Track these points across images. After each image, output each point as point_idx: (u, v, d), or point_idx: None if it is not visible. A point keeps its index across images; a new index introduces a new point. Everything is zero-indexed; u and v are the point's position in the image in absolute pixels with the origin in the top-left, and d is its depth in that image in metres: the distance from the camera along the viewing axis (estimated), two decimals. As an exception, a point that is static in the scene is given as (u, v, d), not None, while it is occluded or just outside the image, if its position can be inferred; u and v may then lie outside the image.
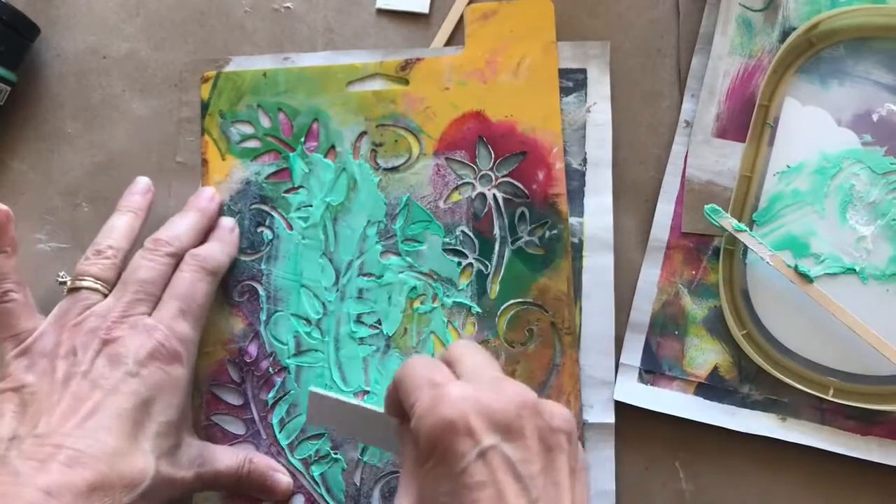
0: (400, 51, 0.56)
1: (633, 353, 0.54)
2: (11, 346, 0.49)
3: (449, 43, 0.57)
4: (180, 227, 0.52)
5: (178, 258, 0.51)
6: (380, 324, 0.54)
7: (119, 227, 0.52)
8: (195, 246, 0.52)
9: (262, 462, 0.52)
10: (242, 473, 0.51)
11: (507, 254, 0.54)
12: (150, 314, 0.49)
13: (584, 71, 0.55)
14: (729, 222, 0.52)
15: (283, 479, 0.53)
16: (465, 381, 0.41)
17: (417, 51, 0.56)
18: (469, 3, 0.56)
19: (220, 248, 0.53)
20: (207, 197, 0.54)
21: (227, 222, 0.55)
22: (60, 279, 0.51)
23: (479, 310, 0.54)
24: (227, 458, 0.51)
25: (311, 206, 0.55)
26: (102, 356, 0.47)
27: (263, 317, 0.54)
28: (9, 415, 0.46)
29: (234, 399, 0.54)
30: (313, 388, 0.49)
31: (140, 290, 0.49)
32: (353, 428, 0.48)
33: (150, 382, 0.47)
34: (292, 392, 0.54)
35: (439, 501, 0.38)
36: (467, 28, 0.56)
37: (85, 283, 0.50)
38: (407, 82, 0.56)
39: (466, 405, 0.38)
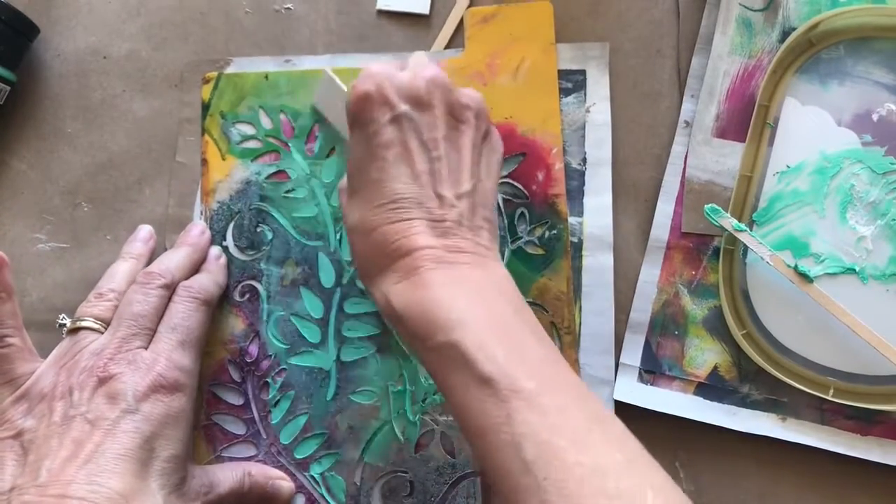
0: (400, 54, 0.56)
1: (633, 353, 0.54)
2: (9, 392, 0.48)
3: (449, 45, 0.57)
4: (172, 260, 0.52)
5: (170, 290, 0.51)
6: (381, 324, 0.54)
7: (121, 272, 0.52)
8: (187, 279, 0.52)
9: (261, 473, 0.52)
10: (244, 490, 0.51)
11: (506, 254, 0.54)
12: (145, 348, 0.48)
13: (583, 72, 0.55)
14: (729, 222, 0.52)
15: (284, 484, 0.52)
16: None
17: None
18: (469, 6, 0.56)
19: (210, 278, 0.53)
20: (198, 231, 0.54)
21: (214, 251, 0.55)
22: (60, 321, 0.51)
23: None
24: (227, 479, 0.50)
25: (311, 206, 0.55)
26: (100, 394, 0.46)
27: (264, 316, 0.54)
28: (10, 464, 0.45)
29: (234, 399, 0.54)
30: (328, 71, 0.53)
31: (134, 324, 0.49)
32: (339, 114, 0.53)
33: (152, 417, 0.46)
34: (293, 392, 0.54)
35: (360, 163, 0.46)
36: (467, 31, 0.56)
37: (85, 324, 0.49)
38: (407, 83, 0.56)
39: (384, 80, 0.45)
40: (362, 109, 0.45)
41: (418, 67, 0.47)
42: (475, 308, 0.42)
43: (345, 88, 0.52)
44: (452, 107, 0.46)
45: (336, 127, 0.54)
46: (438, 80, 0.46)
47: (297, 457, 0.53)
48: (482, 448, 0.39)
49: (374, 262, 0.45)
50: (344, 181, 0.49)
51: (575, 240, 0.54)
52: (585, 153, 0.55)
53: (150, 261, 0.54)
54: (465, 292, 0.43)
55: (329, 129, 0.55)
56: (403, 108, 0.45)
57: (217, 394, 0.54)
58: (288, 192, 0.55)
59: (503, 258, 0.54)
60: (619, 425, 0.40)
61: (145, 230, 0.55)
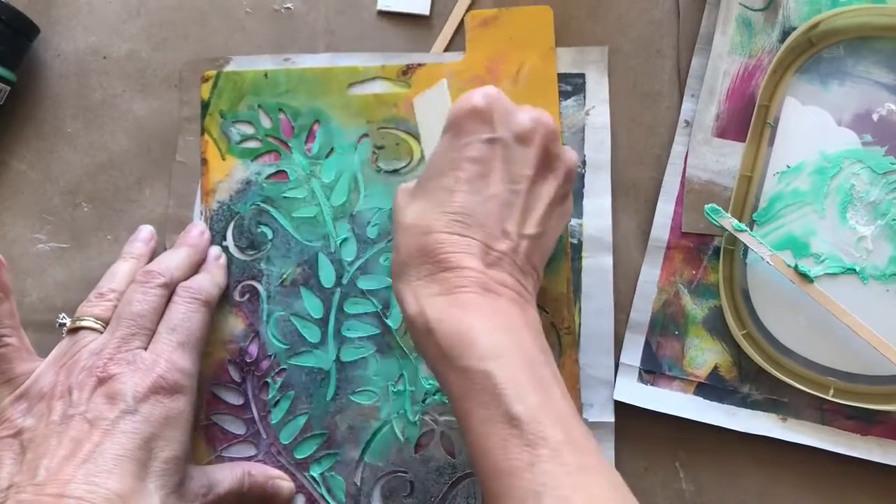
0: (401, 56, 0.56)
1: (633, 353, 0.54)
2: (8, 391, 0.48)
3: (449, 47, 0.57)
4: (172, 259, 0.52)
5: (170, 290, 0.51)
6: (381, 324, 0.54)
7: (121, 272, 0.52)
8: (186, 279, 0.52)
9: (260, 473, 0.52)
10: (244, 490, 0.51)
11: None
12: (145, 348, 0.48)
13: (582, 75, 0.56)
14: (729, 222, 0.52)
15: (284, 484, 0.52)
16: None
17: (418, 56, 0.56)
18: (469, 9, 0.56)
19: (210, 278, 0.53)
20: (198, 232, 0.54)
21: (214, 251, 0.55)
22: (60, 321, 0.51)
23: None
24: (227, 479, 0.50)
25: (311, 206, 0.55)
26: (99, 394, 0.46)
27: (264, 317, 0.54)
28: (8, 462, 0.45)
29: (234, 399, 0.54)
30: (445, 83, 0.54)
31: (133, 323, 0.48)
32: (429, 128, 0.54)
33: (151, 418, 0.46)
34: (292, 392, 0.54)
35: (440, 168, 0.45)
36: (468, 34, 0.56)
37: (85, 323, 0.49)
38: (408, 86, 0.56)
39: (496, 102, 0.45)
40: (465, 119, 0.45)
41: (531, 108, 0.47)
42: (512, 344, 0.42)
43: (450, 103, 0.52)
44: (549, 155, 0.46)
45: (423, 132, 0.54)
46: (547, 124, 0.46)
47: (297, 457, 0.53)
48: (495, 488, 0.39)
49: (416, 265, 0.44)
50: (407, 184, 0.48)
51: (575, 241, 0.54)
52: (585, 156, 0.55)
53: (150, 261, 0.53)
54: (505, 326, 0.42)
55: (411, 130, 0.55)
56: (503, 133, 0.45)
57: (217, 394, 0.54)
58: (288, 191, 0.55)
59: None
60: (634, 501, 0.40)
61: (146, 230, 0.55)
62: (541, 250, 0.47)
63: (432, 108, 0.53)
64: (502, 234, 0.44)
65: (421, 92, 0.54)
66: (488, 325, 0.42)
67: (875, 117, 0.53)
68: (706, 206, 0.52)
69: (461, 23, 0.56)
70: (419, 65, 0.56)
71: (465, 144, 0.45)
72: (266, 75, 0.56)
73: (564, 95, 0.55)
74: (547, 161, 0.46)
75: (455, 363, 0.41)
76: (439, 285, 0.43)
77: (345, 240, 0.55)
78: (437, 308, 0.43)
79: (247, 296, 0.55)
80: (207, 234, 0.55)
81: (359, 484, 0.53)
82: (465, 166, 0.44)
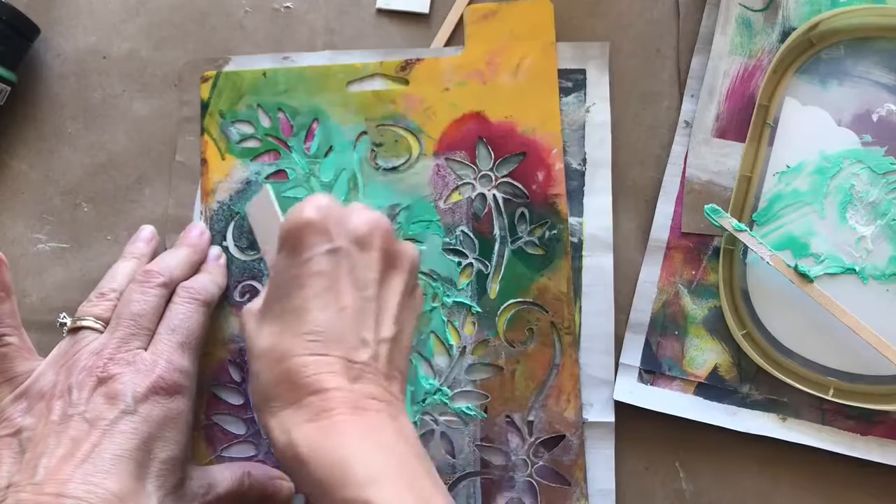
0: (400, 51, 0.56)
1: (633, 353, 0.54)
2: (8, 391, 0.48)
3: (449, 43, 0.57)
4: (172, 259, 0.52)
5: (170, 289, 0.51)
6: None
7: (122, 272, 0.52)
8: (186, 279, 0.52)
9: (260, 473, 0.51)
10: (243, 490, 0.50)
11: (506, 254, 0.54)
12: (145, 348, 0.48)
13: (583, 71, 0.55)
14: (729, 222, 0.52)
15: (284, 484, 0.52)
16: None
17: (417, 51, 0.56)
18: (469, 4, 0.56)
19: (210, 278, 0.53)
20: (198, 232, 0.54)
21: (214, 252, 0.55)
22: (61, 320, 0.51)
23: (479, 309, 0.54)
24: (226, 479, 0.50)
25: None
26: (99, 394, 0.46)
27: (263, 317, 0.54)
28: (7, 461, 0.45)
29: (234, 399, 0.54)
30: (269, 188, 0.53)
31: (133, 323, 0.48)
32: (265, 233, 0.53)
33: (150, 419, 0.45)
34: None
35: (284, 288, 0.44)
36: (467, 28, 0.56)
37: (85, 323, 0.49)
38: (407, 82, 0.56)
39: (329, 211, 0.45)
40: (300, 235, 0.44)
41: (362, 210, 0.46)
42: (390, 463, 0.41)
43: (279, 212, 0.52)
44: (389, 253, 0.46)
45: (259, 237, 0.54)
46: (382, 224, 0.46)
47: (297, 457, 0.53)
48: None
49: (278, 393, 0.43)
50: (252, 305, 0.47)
51: (575, 240, 0.54)
52: (585, 153, 0.55)
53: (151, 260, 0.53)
54: (379, 446, 0.41)
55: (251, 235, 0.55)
56: (343, 242, 0.44)
57: (217, 394, 0.54)
58: (287, 191, 0.55)
59: (503, 258, 0.54)
60: None
61: (148, 230, 0.55)
62: (400, 350, 0.46)
63: (262, 214, 0.53)
64: (361, 343, 0.43)
65: (249, 202, 0.55)
66: (363, 449, 0.40)
67: (875, 117, 0.53)
68: (706, 206, 0.52)
69: (461, 20, 0.56)
70: (418, 60, 0.56)
71: (307, 260, 0.44)
72: (265, 75, 0.56)
73: (565, 92, 0.55)
74: (389, 259, 0.46)
75: (334, 494, 0.39)
76: (306, 411, 0.42)
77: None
78: (307, 437, 0.41)
79: (247, 296, 0.55)
80: (207, 234, 0.55)
81: (359, 484, 0.53)
82: (310, 282, 0.44)
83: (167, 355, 0.48)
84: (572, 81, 0.55)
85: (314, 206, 0.45)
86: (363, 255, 0.45)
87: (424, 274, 0.54)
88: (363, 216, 0.46)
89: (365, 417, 0.42)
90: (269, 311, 0.45)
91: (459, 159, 0.55)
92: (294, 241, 0.45)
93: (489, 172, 0.55)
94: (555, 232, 0.54)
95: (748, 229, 0.52)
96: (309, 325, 0.43)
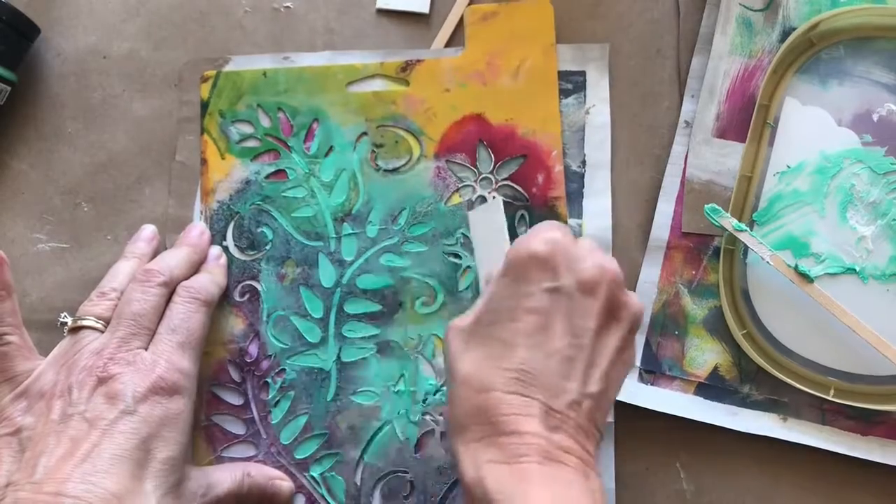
0: (400, 52, 0.56)
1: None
2: (8, 390, 0.48)
3: (449, 44, 0.57)
4: (172, 259, 0.52)
5: (170, 289, 0.50)
6: (381, 324, 0.54)
7: (123, 271, 0.52)
8: (186, 278, 0.52)
9: (260, 473, 0.52)
10: (243, 491, 0.50)
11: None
12: (145, 348, 0.48)
13: (583, 73, 0.55)
14: (729, 222, 0.52)
15: (284, 484, 0.52)
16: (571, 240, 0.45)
17: (417, 52, 0.56)
18: (469, 4, 0.56)
19: (210, 278, 0.53)
20: (198, 232, 0.54)
21: (214, 251, 0.54)
22: (61, 320, 0.51)
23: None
24: (226, 480, 0.50)
25: (311, 206, 0.55)
26: (99, 394, 0.46)
27: (264, 317, 0.54)
28: (7, 460, 0.45)
29: (234, 399, 0.54)
30: (500, 200, 0.53)
31: (133, 323, 0.48)
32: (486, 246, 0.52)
33: (150, 419, 0.45)
34: (293, 392, 0.54)
35: (496, 315, 0.44)
36: (467, 29, 0.56)
37: (86, 323, 0.49)
38: (407, 83, 0.56)
39: (560, 249, 0.44)
40: (527, 266, 0.44)
41: (596, 251, 0.45)
42: None
43: (507, 231, 0.51)
44: (613, 303, 0.44)
45: (477, 249, 0.53)
46: (611, 270, 0.44)
47: (297, 457, 0.53)
48: None
49: (473, 424, 0.42)
50: (459, 321, 0.46)
51: (575, 241, 0.54)
52: (585, 156, 0.55)
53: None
54: (568, 499, 0.41)
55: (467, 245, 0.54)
56: (567, 282, 0.43)
57: (217, 394, 0.54)
58: (287, 191, 0.55)
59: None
60: None
61: (149, 230, 0.55)
62: (602, 408, 0.44)
63: (487, 226, 0.52)
64: (564, 392, 0.42)
65: (475, 208, 0.54)
66: (549, 502, 0.40)
67: (875, 117, 0.53)
68: (706, 205, 0.52)
69: (461, 21, 0.56)
70: (418, 61, 0.56)
71: (526, 293, 0.43)
72: (265, 74, 0.56)
73: (565, 94, 0.55)
74: (612, 310, 0.44)
75: None
76: (498, 450, 0.41)
77: (344, 239, 0.55)
78: (497, 479, 0.40)
79: (247, 296, 0.55)
80: (207, 234, 0.55)
81: (359, 484, 0.53)
82: (525, 318, 0.43)
83: (167, 355, 0.48)
84: (572, 83, 0.55)
85: (545, 239, 0.44)
86: (585, 301, 0.43)
87: (425, 275, 0.54)
88: (594, 259, 0.44)
89: (557, 470, 0.41)
90: (476, 333, 0.44)
91: (460, 161, 0.55)
92: (518, 271, 0.44)
93: (489, 175, 0.55)
94: (555, 233, 0.54)
95: (748, 229, 0.52)
96: (514, 362, 0.42)
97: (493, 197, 0.54)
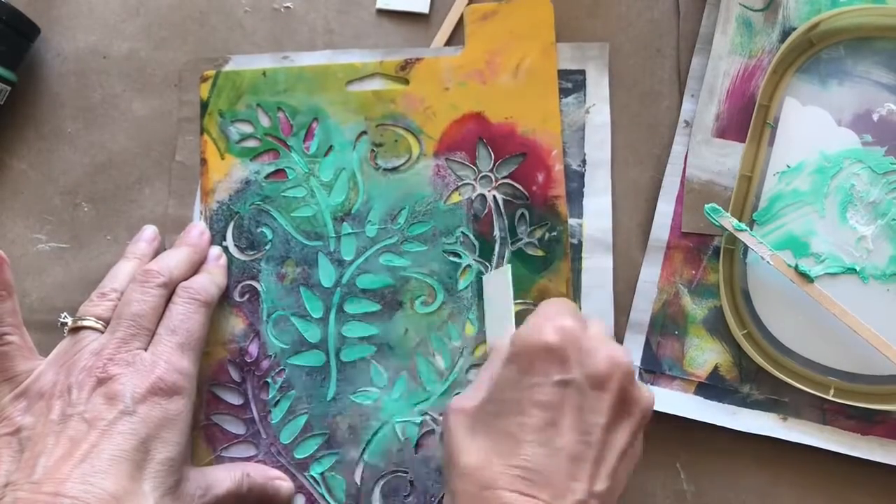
0: (399, 50, 0.56)
1: (633, 353, 0.53)
2: (8, 390, 0.48)
3: (449, 43, 0.57)
4: (172, 259, 0.52)
5: (170, 289, 0.50)
6: (381, 324, 0.54)
7: (124, 272, 0.52)
8: (186, 279, 0.52)
9: (259, 473, 0.52)
10: (242, 491, 0.50)
11: (506, 255, 0.54)
12: (145, 349, 0.48)
13: (583, 72, 0.55)
14: (729, 222, 0.52)
15: (284, 484, 0.52)
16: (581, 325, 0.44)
17: (417, 50, 0.56)
18: (469, 4, 0.56)
19: (210, 279, 0.52)
20: (197, 232, 0.54)
21: (214, 252, 0.54)
22: (62, 320, 0.51)
23: (479, 310, 0.54)
24: (225, 480, 0.50)
25: (310, 205, 0.55)
26: (98, 394, 0.46)
27: (264, 316, 0.54)
28: (6, 460, 0.45)
29: (234, 399, 0.54)
30: (508, 268, 0.52)
31: (133, 324, 0.48)
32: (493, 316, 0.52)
33: (149, 420, 0.45)
34: (293, 392, 0.54)
35: (502, 406, 0.43)
36: (467, 28, 0.56)
37: (86, 323, 0.49)
38: (407, 82, 0.56)
39: (572, 340, 0.43)
40: (534, 357, 0.43)
41: (608, 342, 0.44)
42: None
43: (512, 301, 0.50)
44: (624, 398, 0.43)
45: (487, 313, 0.53)
46: (623, 363, 0.43)
47: (297, 457, 0.53)
48: None
49: None
50: (462, 402, 0.45)
51: (575, 241, 0.54)
52: (585, 155, 0.55)
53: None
54: None
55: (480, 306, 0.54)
56: (577, 375, 0.42)
57: (217, 394, 0.54)
58: (287, 191, 0.55)
59: (503, 259, 0.54)
60: None
61: (150, 230, 0.55)
62: None
63: (496, 289, 0.52)
64: (570, 492, 0.41)
65: (489, 272, 0.54)
66: None
67: (875, 117, 0.53)
68: (706, 205, 0.52)
69: (461, 20, 0.56)
70: (418, 59, 0.56)
71: (534, 385, 0.42)
72: (264, 74, 0.56)
73: (564, 93, 0.55)
74: (622, 405, 0.43)
75: None
76: None
77: (344, 239, 0.55)
78: None
79: (247, 296, 0.55)
80: (207, 234, 0.55)
81: (359, 483, 0.53)
82: (532, 412, 0.42)
83: (167, 356, 0.48)
84: (572, 82, 0.55)
85: (556, 328, 0.43)
86: (595, 395, 0.42)
87: (424, 274, 0.54)
88: (607, 351, 0.43)
89: None
90: (480, 421, 0.44)
91: (459, 160, 0.55)
92: (526, 361, 0.43)
93: (489, 173, 0.55)
94: (555, 234, 0.54)
95: (748, 229, 0.52)
96: (520, 459, 0.41)
97: (507, 266, 0.53)
